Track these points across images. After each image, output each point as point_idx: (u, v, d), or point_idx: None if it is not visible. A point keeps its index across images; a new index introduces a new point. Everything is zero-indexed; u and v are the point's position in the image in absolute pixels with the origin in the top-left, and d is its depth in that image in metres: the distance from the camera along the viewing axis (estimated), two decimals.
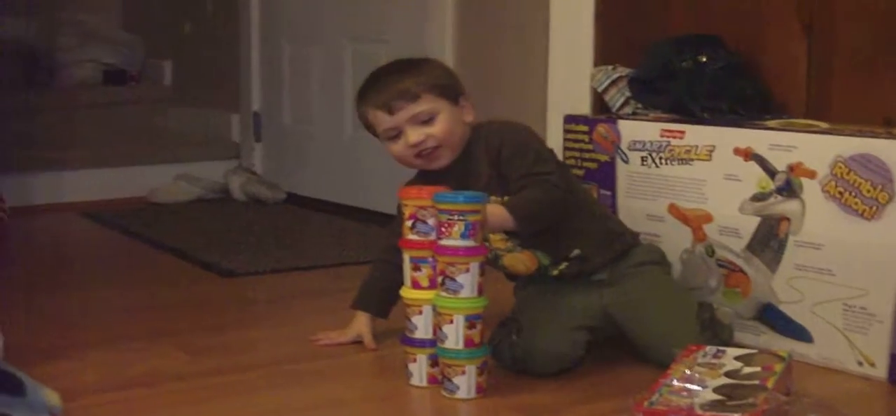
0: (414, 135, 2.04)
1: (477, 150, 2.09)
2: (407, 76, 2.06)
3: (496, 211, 1.97)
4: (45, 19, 4.89)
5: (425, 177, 2.10)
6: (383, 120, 2.06)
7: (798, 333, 2.10)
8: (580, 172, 2.42)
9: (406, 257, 1.95)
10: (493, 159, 2.06)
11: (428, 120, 2.04)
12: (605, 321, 2.08)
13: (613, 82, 2.59)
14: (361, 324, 2.18)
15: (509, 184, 2.03)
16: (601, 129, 2.41)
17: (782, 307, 2.12)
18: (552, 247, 2.06)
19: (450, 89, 2.08)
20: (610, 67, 2.63)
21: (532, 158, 2.06)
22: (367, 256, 3.01)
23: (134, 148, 4.31)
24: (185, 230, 3.47)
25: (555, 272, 2.07)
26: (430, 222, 1.90)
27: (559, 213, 2.05)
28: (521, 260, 2.04)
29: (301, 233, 3.41)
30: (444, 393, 1.89)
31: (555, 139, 2.52)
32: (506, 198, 2.01)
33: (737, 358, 1.86)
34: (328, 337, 2.20)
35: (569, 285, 2.09)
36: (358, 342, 2.17)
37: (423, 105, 2.04)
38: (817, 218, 2.06)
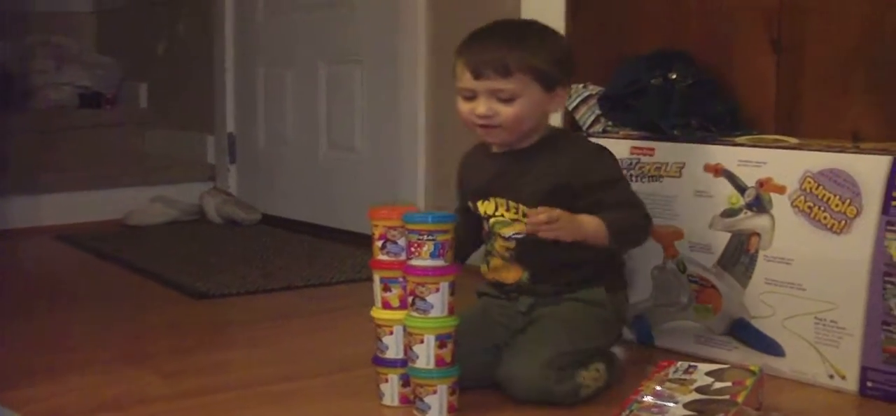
0: (483, 107, 1.99)
1: (543, 156, 2.04)
2: (514, 48, 1.98)
3: (593, 224, 1.95)
4: (20, 42, 4.88)
5: (480, 151, 2.11)
6: (467, 80, 2.00)
7: (770, 347, 2.11)
8: None
9: (376, 277, 1.94)
10: (573, 180, 2.00)
11: (507, 99, 1.99)
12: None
13: (584, 100, 2.60)
14: None
15: (594, 205, 1.97)
16: None
17: (754, 322, 2.13)
18: (554, 267, 2.04)
19: (548, 76, 2.01)
20: (581, 85, 2.64)
21: (624, 185, 2.07)
22: (341, 276, 3.02)
23: (109, 171, 4.30)
24: (160, 253, 3.46)
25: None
26: (401, 242, 1.90)
27: (641, 241, 2.07)
28: (506, 268, 2.06)
29: (276, 254, 3.40)
30: (416, 413, 1.88)
31: None
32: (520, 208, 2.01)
33: (708, 373, 1.87)
34: None
35: (496, 308, 2.08)
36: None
37: (511, 84, 1.97)
38: (787, 233, 2.07)
